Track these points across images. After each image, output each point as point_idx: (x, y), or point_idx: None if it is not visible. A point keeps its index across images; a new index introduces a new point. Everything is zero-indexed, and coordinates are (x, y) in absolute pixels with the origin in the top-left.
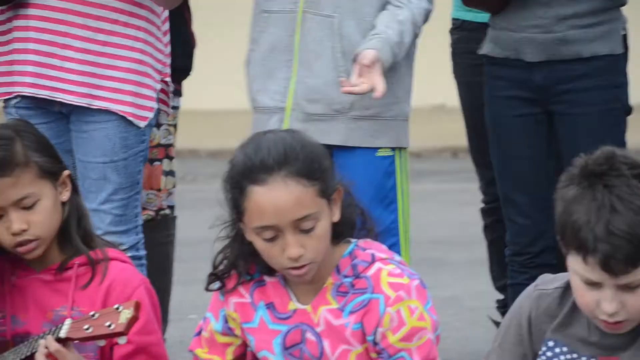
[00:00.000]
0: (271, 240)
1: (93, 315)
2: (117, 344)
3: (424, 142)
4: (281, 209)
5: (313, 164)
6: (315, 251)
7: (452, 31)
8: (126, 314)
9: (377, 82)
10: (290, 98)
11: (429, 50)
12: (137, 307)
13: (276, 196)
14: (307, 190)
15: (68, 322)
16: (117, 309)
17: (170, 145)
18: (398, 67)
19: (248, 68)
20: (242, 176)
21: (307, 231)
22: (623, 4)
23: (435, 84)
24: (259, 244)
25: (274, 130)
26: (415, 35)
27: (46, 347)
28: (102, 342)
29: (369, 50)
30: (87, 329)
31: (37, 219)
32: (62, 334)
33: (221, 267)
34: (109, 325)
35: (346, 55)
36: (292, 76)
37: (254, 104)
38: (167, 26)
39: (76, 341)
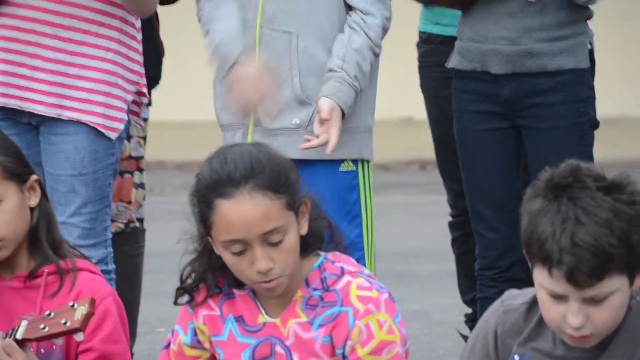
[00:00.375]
0: (240, 254)
1: (49, 315)
2: (82, 352)
3: (392, 155)
4: (249, 222)
5: (280, 177)
6: (283, 264)
7: (419, 44)
8: (81, 310)
9: (331, 136)
10: (252, 114)
11: (397, 63)
12: (92, 303)
13: (243, 210)
14: (274, 203)
15: (24, 323)
16: (72, 306)
17: (141, 157)
18: None
19: (214, 88)
20: (209, 190)
21: (275, 244)
22: (589, 17)
23: (402, 96)
24: (228, 257)
25: (241, 143)
26: (375, 56)
27: (3, 349)
28: (59, 341)
29: (324, 100)
30: (43, 328)
31: (0, 219)
32: (19, 335)
33: (189, 281)
34: (65, 323)
35: (305, 70)
36: None
37: (219, 121)
38: (141, 36)
39: (33, 342)
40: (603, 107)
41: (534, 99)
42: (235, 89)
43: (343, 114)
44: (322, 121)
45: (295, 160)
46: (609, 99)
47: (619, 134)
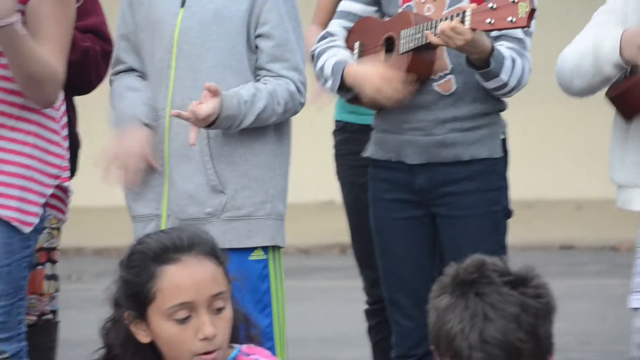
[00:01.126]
0: (184, 321)
1: None
2: None
3: (313, 239)
4: (199, 283)
5: (218, 249)
6: (224, 335)
7: (335, 133)
8: None
9: (204, 108)
10: (164, 204)
11: (317, 147)
12: None
13: (193, 271)
14: (219, 269)
15: None
16: None
17: (53, 249)
18: (270, 163)
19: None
20: (153, 260)
21: (218, 311)
22: (502, 110)
23: (323, 180)
24: (169, 330)
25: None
26: (273, 111)
27: None
28: None
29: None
30: None
31: None
32: None
33: None
34: None
35: (218, 158)
36: (165, 182)
37: (131, 212)
38: (66, 131)
39: None
40: (519, 190)
41: (448, 187)
42: (115, 150)
43: (214, 122)
44: (207, 96)
45: None
46: (525, 181)
47: (535, 216)
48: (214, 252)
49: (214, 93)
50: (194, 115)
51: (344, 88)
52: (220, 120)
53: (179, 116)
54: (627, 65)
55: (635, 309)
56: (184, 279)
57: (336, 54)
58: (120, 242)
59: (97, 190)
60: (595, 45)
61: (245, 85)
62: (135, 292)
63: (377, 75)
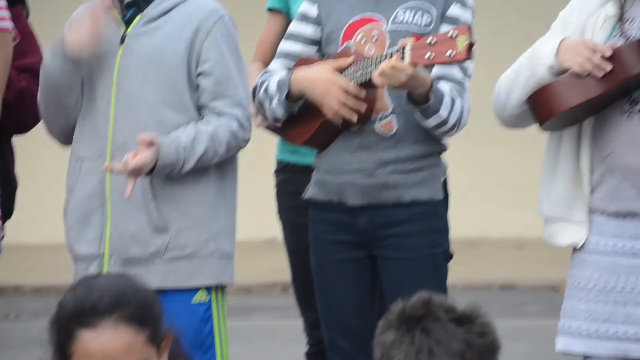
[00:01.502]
0: None
1: None
2: None
3: (255, 277)
4: (110, 355)
5: (145, 310)
6: None
7: (277, 172)
8: None
9: (136, 160)
10: (107, 244)
11: (260, 184)
12: None
13: (106, 341)
14: (137, 337)
15: None
16: None
17: None
18: (213, 201)
19: (65, 219)
20: (72, 319)
21: None
22: (443, 151)
23: (266, 218)
24: None
25: (107, 274)
26: (215, 152)
27: None
28: None
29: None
30: None
31: None
32: None
33: None
34: None
35: (161, 196)
36: (107, 221)
37: (72, 253)
38: None
39: None
40: (460, 229)
41: (389, 229)
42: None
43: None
44: (142, 146)
45: None
46: (466, 220)
47: (476, 255)
48: (137, 316)
49: (149, 144)
50: (126, 167)
51: (291, 99)
52: (158, 169)
53: (112, 170)
54: (560, 69)
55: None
56: (96, 348)
57: (279, 75)
58: (60, 281)
59: (36, 227)
60: (533, 49)
61: (186, 128)
62: (58, 347)
63: (326, 78)
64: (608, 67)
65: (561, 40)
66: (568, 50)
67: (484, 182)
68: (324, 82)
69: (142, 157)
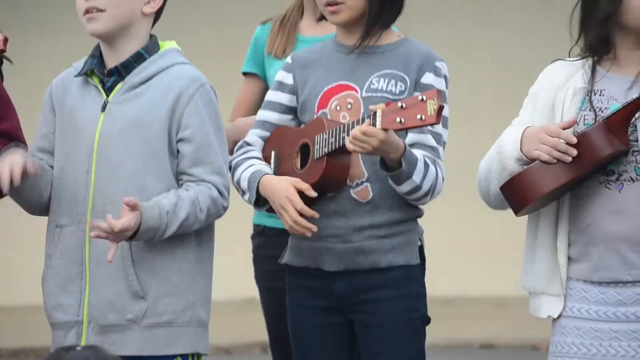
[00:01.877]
0: None
1: None
2: None
3: (234, 337)
4: None
5: None
6: None
7: (254, 237)
8: None
9: (120, 222)
10: (85, 310)
11: (238, 243)
12: None
13: None
14: None
15: None
16: None
17: None
18: (191, 270)
19: (43, 285)
20: None
21: None
22: (419, 217)
23: (243, 277)
24: None
25: (78, 348)
26: (195, 218)
27: None
28: None
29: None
30: None
31: None
32: None
33: None
34: None
35: (139, 263)
36: (85, 288)
37: (50, 320)
38: None
39: None
40: (441, 288)
41: (366, 294)
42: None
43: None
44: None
45: (127, 357)
46: (445, 279)
47: (455, 314)
48: None
49: (132, 207)
50: (110, 228)
51: (261, 200)
52: (141, 233)
53: (98, 228)
54: (527, 159)
55: None
56: None
57: (252, 165)
58: (38, 343)
59: (13, 288)
60: (499, 144)
61: (167, 193)
62: None
63: (285, 195)
64: (574, 152)
65: (523, 131)
66: (531, 140)
67: (463, 240)
68: (282, 199)
69: (126, 220)
